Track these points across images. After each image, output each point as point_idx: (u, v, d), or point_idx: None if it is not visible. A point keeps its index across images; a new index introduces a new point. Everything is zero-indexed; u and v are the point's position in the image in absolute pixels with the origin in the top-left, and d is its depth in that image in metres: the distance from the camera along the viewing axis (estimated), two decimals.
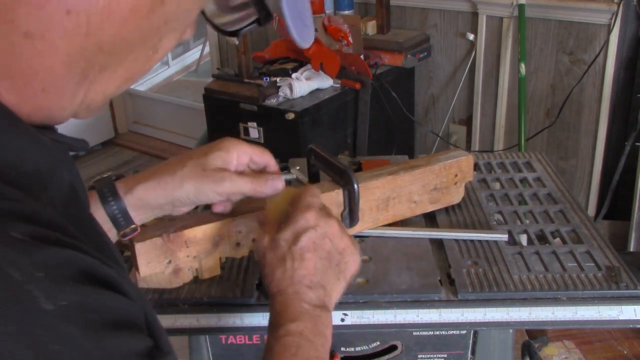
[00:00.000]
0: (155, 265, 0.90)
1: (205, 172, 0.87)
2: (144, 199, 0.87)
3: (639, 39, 2.43)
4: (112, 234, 0.87)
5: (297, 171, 1.21)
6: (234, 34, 0.59)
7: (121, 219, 0.86)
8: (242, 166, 0.92)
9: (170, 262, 0.91)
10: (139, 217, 0.88)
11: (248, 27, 0.58)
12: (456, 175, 1.10)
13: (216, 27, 0.58)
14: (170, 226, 0.91)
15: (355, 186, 0.98)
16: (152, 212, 0.89)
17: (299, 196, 0.84)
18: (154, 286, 0.92)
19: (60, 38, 0.43)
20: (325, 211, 0.82)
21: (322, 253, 0.79)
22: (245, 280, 0.96)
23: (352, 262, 0.81)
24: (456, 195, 1.12)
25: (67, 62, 0.45)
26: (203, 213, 0.96)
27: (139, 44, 0.48)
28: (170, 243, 0.89)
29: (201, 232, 0.91)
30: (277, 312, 0.75)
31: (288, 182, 1.08)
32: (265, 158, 0.94)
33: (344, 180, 0.99)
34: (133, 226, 0.87)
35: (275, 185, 0.89)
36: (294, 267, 0.77)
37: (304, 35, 0.60)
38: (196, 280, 0.95)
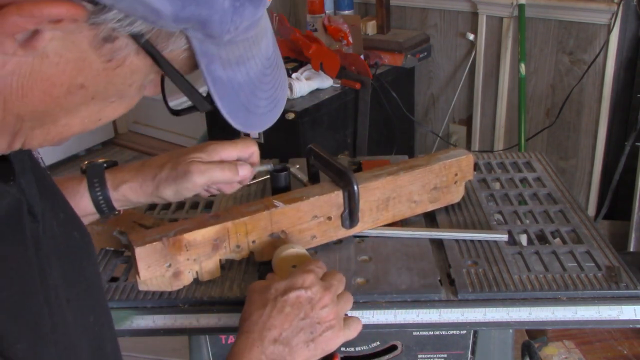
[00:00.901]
0: (155, 269, 0.90)
1: (176, 171, 0.93)
2: (127, 197, 0.95)
3: (639, 39, 2.42)
4: (95, 217, 0.95)
5: (297, 170, 1.21)
6: (176, 113, 0.60)
7: (104, 207, 0.94)
8: None
9: (170, 265, 0.91)
10: (121, 209, 0.97)
11: (188, 111, 0.59)
12: (456, 175, 1.10)
13: (165, 101, 0.59)
14: (170, 230, 0.91)
15: (355, 187, 0.98)
16: (133, 206, 0.99)
17: (306, 260, 0.89)
18: (154, 289, 0.92)
19: None
20: (326, 283, 0.85)
21: (301, 314, 0.81)
22: (245, 280, 0.96)
23: (331, 338, 0.83)
24: (456, 195, 1.12)
25: None
26: (202, 216, 0.96)
27: (64, 115, 0.50)
28: (170, 247, 0.89)
29: (201, 236, 0.91)
30: (235, 352, 0.78)
31: (269, 172, 1.09)
32: (250, 150, 1.00)
33: (343, 181, 0.99)
34: (115, 212, 0.95)
35: (244, 172, 0.96)
36: (271, 315, 0.80)
37: (250, 123, 0.58)
38: (196, 280, 0.95)
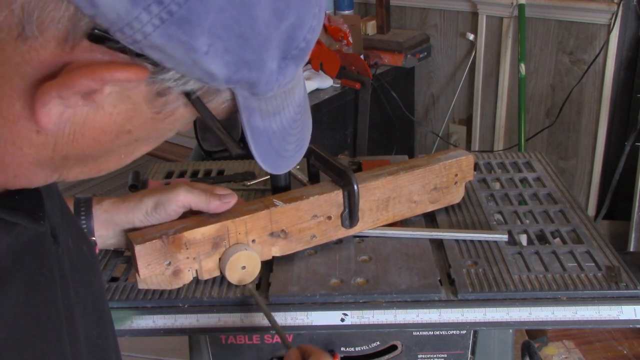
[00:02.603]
0: (155, 267, 0.90)
1: (163, 186, 0.98)
2: (109, 212, 0.95)
3: (639, 39, 2.43)
4: None
5: (297, 170, 1.21)
6: (209, 154, 0.62)
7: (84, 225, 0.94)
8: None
9: (170, 263, 0.91)
10: (105, 233, 0.95)
11: (220, 153, 0.61)
12: (456, 175, 1.10)
13: (198, 141, 0.62)
14: (169, 228, 0.91)
15: (355, 187, 0.98)
16: (114, 229, 0.96)
17: (314, 352, 0.87)
18: (154, 287, 0.92)
19: (29, 148, 0.48)
20: None
21: None
22: None
23: None
24: (456, 195, 1.12)
25: (36, 163, 0.50)
26: (202, 215, 0.96)
27: (107, 155, 0.53)
28: (169, 245, 0.90)
29: (200, 234, 0.91)
30: None
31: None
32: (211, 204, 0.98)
33: (343, 180, 0.99)
34: (93, 238, 0.94)
35: (228, 202, 0.96)
36: None
37: (278, 166, 0.61)
38: (196, 280, 0.95)
